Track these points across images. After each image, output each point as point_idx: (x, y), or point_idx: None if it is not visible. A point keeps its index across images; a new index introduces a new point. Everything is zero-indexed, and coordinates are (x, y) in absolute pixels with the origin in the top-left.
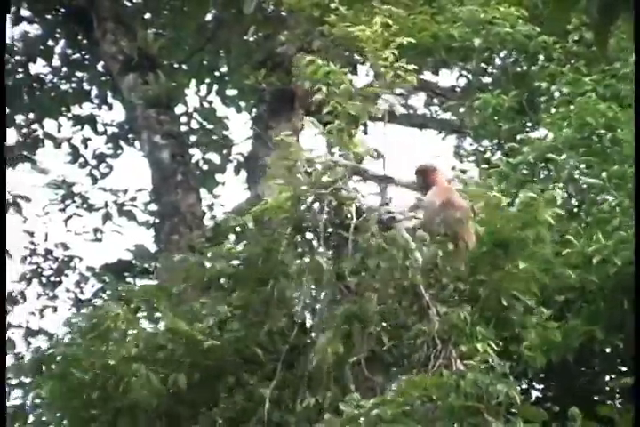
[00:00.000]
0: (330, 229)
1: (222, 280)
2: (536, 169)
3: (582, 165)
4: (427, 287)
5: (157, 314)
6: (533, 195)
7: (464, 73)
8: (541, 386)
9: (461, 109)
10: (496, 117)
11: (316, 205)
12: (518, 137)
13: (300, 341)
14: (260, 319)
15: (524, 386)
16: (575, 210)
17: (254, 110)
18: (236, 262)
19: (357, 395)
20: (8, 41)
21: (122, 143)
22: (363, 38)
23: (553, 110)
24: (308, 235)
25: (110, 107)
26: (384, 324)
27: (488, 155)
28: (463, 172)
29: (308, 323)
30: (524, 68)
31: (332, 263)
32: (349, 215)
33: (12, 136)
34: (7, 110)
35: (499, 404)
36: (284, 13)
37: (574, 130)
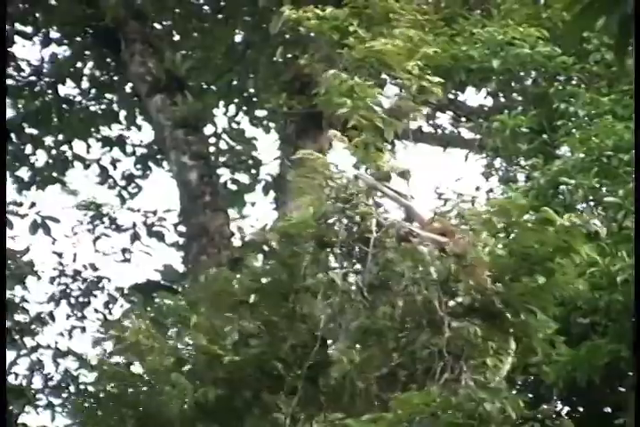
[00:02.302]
0: (351, 244)
1: (250, 297)
2: (549, 192)
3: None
4: (440, 301)
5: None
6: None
7: (490, 91)
8: (567, 407)
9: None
10: (515, 138)
11: (338, 220)
12: (529, 162)
13: (321, 356)
14: (283, 334)
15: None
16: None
17: (282, 131)
18: (263, 280)
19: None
20: (37, 62)
21: (150, 164)
22: (386, 51)
23: (572, 131)
24: (331, 250)
25: (139, 128)
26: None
27: (513, 174)
28: (490, 191)
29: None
30: (544, 88)
31: (352, 278)
32: (370, 230)
33: (41, 157)
34: (36, 132)
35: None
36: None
37: (586, 152)
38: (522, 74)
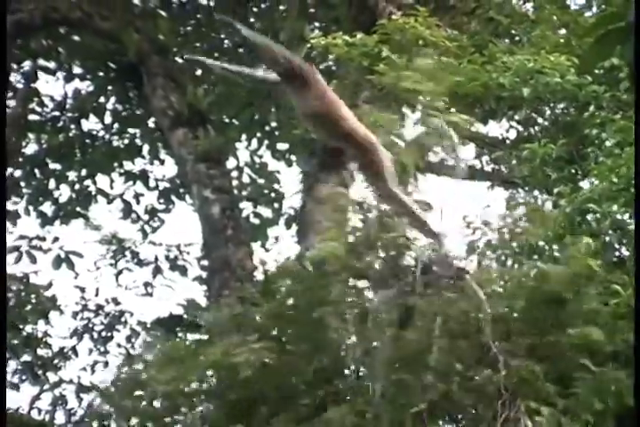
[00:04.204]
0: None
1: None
2: (575, 220)
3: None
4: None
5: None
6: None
7: (513, 124)
8: None
9: (511, 160)
10: (545, 167)
11: (371, 252)
12: (555, 190)
13: (345, 384)
14: (309, 363)
15: None
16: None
17: (304, 164)
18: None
19: None
20: (59, 98)
21: (173, 198)
22: (413, 88)
23: (601, 159)
24: (363, 282)
25: (162, 162)
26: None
27: (539, 204)
28: (515, 222)
29: (354, 366)
30: (574, 117)
31: (388, 311)
32: (408, 264)
33: (65, 192)
34: (59, 166)
35: None
36: (333, 66)
37: (615, 180)
38: (552, 102)
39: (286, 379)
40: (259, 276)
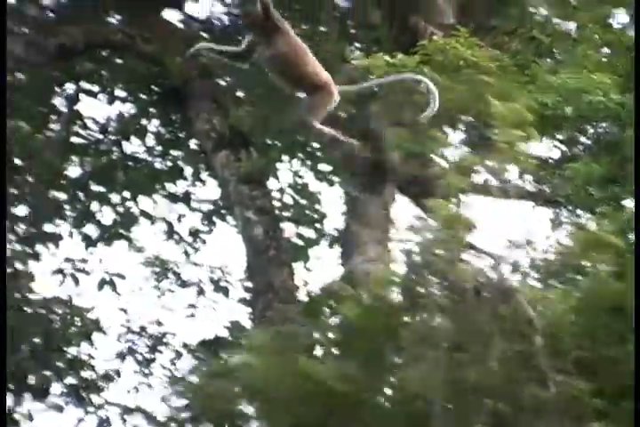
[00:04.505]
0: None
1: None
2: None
3: None
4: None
5: None
6: None
7: (556, 143)
8: None
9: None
10: (587, 186)
11: (425, 274)
12: (598, 209)
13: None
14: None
15: None
16: None
17: (347, 184)
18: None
19: None
20: (103, 120)
21: (215, 219)
22: (457, 107)
23: None
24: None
25: (204, 183)
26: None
27: (583, 223)
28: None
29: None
30: (617, 136)
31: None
32: (463, 286)
33: (107, 214)
34: (102, 189)
35: None
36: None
37: None
38: (595, 121)
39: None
40: (301, 296)
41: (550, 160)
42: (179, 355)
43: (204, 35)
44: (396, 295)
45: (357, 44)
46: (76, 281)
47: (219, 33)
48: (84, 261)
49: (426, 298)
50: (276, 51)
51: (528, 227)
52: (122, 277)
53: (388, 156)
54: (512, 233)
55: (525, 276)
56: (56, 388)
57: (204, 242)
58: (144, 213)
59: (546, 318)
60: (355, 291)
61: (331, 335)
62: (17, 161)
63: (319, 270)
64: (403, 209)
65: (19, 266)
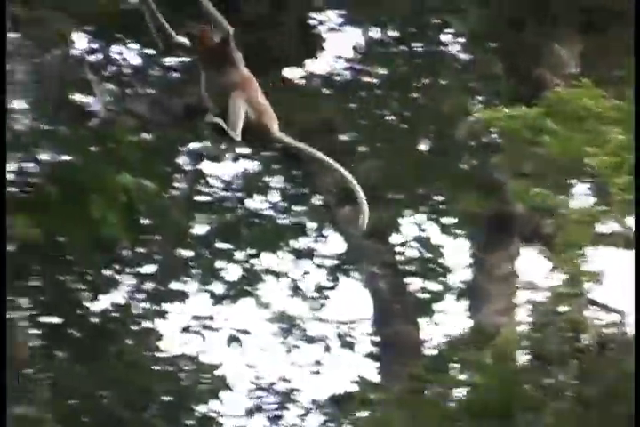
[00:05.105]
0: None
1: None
2: None
3: None
4: None
5: None
6: None
7: None
8: None
9: None
10: None
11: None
12: None
13: None
14: None
15: None
16: None
17: (471, 237)
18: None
19: None
20: (229, 178)
21: (339, 274)
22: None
23: None
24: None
25: (328, 239)
26: None
27: None
28: None
29: None
30: None
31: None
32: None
33: (233, 271)
34: (227, 246)
35: None
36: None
37: None
38: None
39: None
40: (427, 351)
41: None
42: (307, 411)
43: (326, 90)
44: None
45: (479, 97)
46: (203, 338)
47: (340, 88)
48: (210, 318)
49: (551, 354)
50: (227, 79)
51: None
52: (248, 333)
53: (512, 208)
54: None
55: None
56: None
57: (327, 298)
58: (269, 270)
59: None
60: (482, 345)
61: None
62: (144, 220)
63: (444, 324)
64: (527, 261)
65: (147, 324)
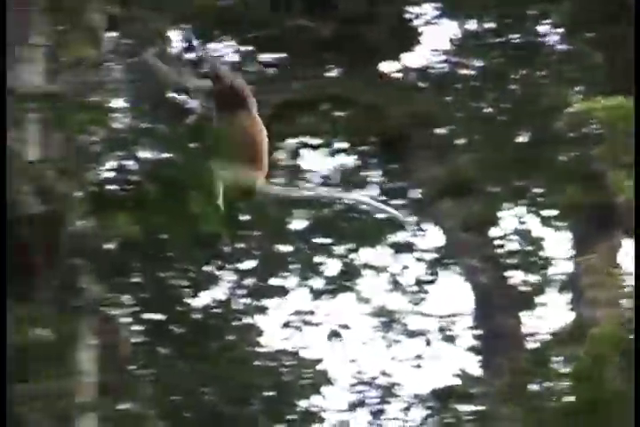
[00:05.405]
0: None
1: None
2: None
3: None
4: None
5: None
6: None
7: None
8: None
9: None
10: None
11: None
12: None
13: None
14: None
15: None
16: None
17: (572, 230)
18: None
19: None
20: (326, 172)
21: (440, 268)
22: None
23: None
24: None
25: (427, 233)
26: None
27: None
28: None
29: None
30: None
31: None
32: None
33: (332, 266)
34: (326, 241)
35: None
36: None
37: None
38: None
39: None
40: (530, 344)
41: None
42: (409, 405)
43: (422, 84)
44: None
45: (578, 88)
46: (304, 334)
47: (436, 81)
48: (310, 313)
49: None
50: (238, 124)
51: None
52: (348, 328)
53: (613, 199)
54: None
55: None
56: None
57: (426, 292)
58: (368, 265)
59: None
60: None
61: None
62: (243, 216)
63: (547, 318)
64: (630, 253)
65: (248, 320)
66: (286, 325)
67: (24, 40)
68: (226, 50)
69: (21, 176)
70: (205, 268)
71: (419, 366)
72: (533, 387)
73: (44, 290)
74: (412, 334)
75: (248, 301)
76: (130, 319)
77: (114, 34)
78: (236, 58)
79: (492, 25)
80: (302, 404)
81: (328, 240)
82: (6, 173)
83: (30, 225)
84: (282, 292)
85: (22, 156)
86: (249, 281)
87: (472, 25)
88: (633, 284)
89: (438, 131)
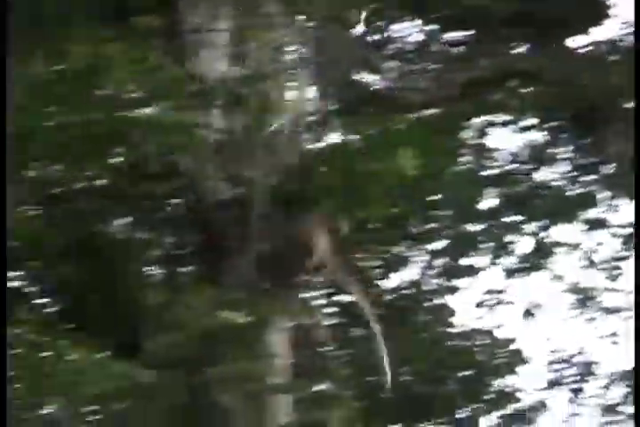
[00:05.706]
0: None
1: None
2: None
3: None
4: None
5: None
6: None
7: None
8: None
9: None
10: None
11: None
12: None
13: None
14: None
15: None
16: None
17: None
18: None
19: None
20: (515, 150)
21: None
22: None
23: None
24: None
25: (618, 209)
26: None
27: None
28: None
29: None
30: None
31: None
32: None
33: (525, 244)
34: (517, 218)
35: None
36: None
37: None
38: None
39: None
40: None
41: None
42: (608, 383)
43: (611, 57)
44: None
45: None
46: (497, 313)
47: (626, 54)
48: (503, 291)
49: None
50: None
51: None
52: (542, 306)
53: None
54: None
55: None
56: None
57: (619, 268)
58: (561, 242)
59: None
60: None
61: None
62: (433, 196)
63: None
64: None
65: (439, 300)
66: (479, 304)
67: (207, 26)
68: (410, 30)
69: (208, 162)
70: (396, 249)
71: (616, 343)
72: None
73: (234, 274)
74: (607, 311)
75: (439, 281)
76: (323, 301)
77: (298, 17)
78: (420, 37)
79: None
80: (498, 383)
81: (518, 218)
82: (6, 173)
83: (221, 210)
84: (473, 271)
85: (208, 141)
86: (439, 261)
87: None
88: (633, 283)
89: (628, 105)
